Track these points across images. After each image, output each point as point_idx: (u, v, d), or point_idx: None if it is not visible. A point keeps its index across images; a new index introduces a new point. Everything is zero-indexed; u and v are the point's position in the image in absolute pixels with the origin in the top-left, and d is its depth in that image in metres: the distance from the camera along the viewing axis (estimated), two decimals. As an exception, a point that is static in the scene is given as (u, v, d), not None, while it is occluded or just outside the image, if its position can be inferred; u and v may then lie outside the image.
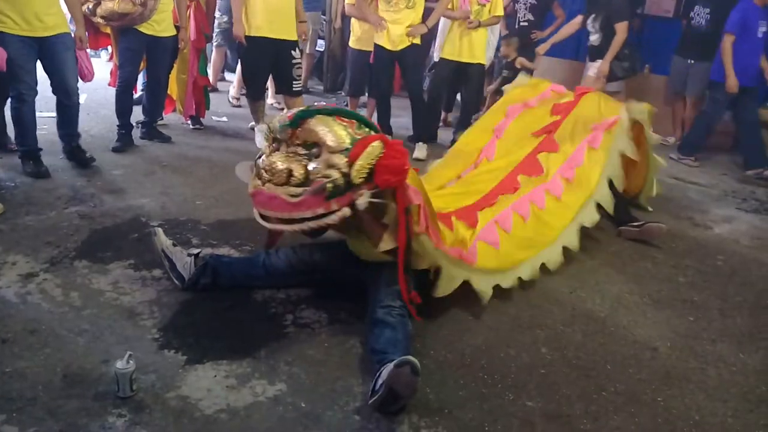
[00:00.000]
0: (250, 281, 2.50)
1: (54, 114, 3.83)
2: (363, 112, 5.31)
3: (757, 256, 3.37)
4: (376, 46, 4.83)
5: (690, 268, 3.12)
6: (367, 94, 5.76)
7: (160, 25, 4.10)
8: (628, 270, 3.03)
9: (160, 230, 2.57)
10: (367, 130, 2.09)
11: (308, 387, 1.96)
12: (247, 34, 4.33)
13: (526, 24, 5.90)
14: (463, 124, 5.04)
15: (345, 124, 2.04)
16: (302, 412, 1.84)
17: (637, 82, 6.20)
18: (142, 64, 4.34)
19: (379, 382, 1.84)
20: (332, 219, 1.99)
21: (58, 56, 3.54)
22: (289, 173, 2.01)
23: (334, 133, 1.99)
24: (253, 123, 4.87)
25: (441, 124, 5.65)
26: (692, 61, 5.58)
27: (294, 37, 4.42)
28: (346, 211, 1.98)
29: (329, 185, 1.94)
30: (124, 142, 4.25)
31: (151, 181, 3.70)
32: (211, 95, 5.38)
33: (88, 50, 4.06)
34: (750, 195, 4.53)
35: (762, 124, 5.32)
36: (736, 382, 2.19)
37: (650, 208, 3.83)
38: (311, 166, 1.99)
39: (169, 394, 1.86)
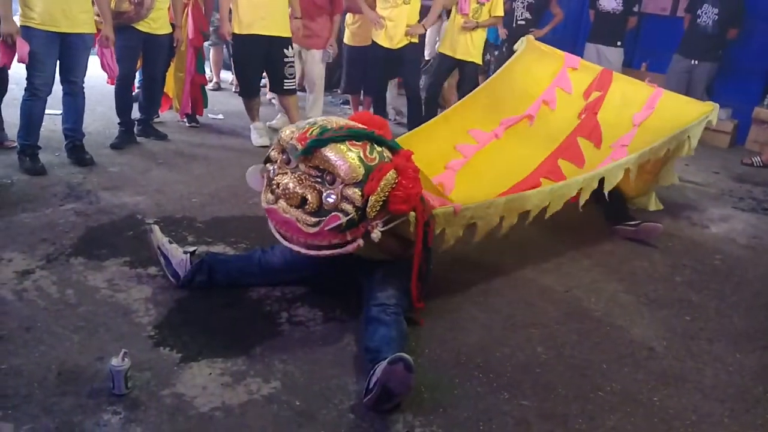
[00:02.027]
0: (245, 278, 2.49)
1: (53, 111, 3.82)
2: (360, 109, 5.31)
3: (753, 256, 3.37)
4: (374, 43, 4.83)
5: (687, 267, 3.12)
6: (362, 92, 5.75)
7: (156, 22, 4.10)
8: (623, 269, 3.03)
9: (156, 227, 2.56)
10: (379, 150, 2.09)
11: (303, 385, 1.96)
12: (237, 32, 4.31)
13: (523, 22, 5.90)
14: None
15: (358, 149, 2.04)
16: (297, 411, 1.84)
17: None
18: (138, 62, 4.34)
19: (373, 380, 1.84)
20: (347, 250, 2.06)
21: (75, 54, 3.58)
22: (304, 199, 2.05)
23: (348, 163, 1.99)
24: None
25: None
26: (696, 61, 5.57)
27: (287, 34, 4.39)
28: (361, 241, 2.06)
29: (344, 222, 2.00)
30: (124, 140, 4.25)
31: (147, 178, 3.69)
32: (210, 93, 5.38)
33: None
34: (747, 194, 4.54)
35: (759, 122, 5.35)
36: (732, 382, 2.19)
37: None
38: (325, 198, 2.03)
39: (164, 392, 1.86)
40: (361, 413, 1.85)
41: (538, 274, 2.86)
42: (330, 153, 2.01)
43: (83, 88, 3.75)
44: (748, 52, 5.88)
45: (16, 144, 3.69)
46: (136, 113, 4.48)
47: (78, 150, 3.81)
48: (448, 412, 1.89)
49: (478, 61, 5.02)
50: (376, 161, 2.04)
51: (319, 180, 2.06)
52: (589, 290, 2.77)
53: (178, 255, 2.45)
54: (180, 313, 2.29)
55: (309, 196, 2.04)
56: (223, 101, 5.97)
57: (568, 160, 3.37)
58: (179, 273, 2.43)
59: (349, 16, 5.25)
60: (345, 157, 2.00)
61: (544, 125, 3.65)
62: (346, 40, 5.37)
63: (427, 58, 6.32)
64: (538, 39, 5.87)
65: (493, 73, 7.13)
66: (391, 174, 2.01)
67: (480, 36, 4.90)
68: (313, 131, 2.07)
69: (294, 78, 4.56)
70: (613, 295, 2.74)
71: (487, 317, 2.46)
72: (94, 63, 3.85)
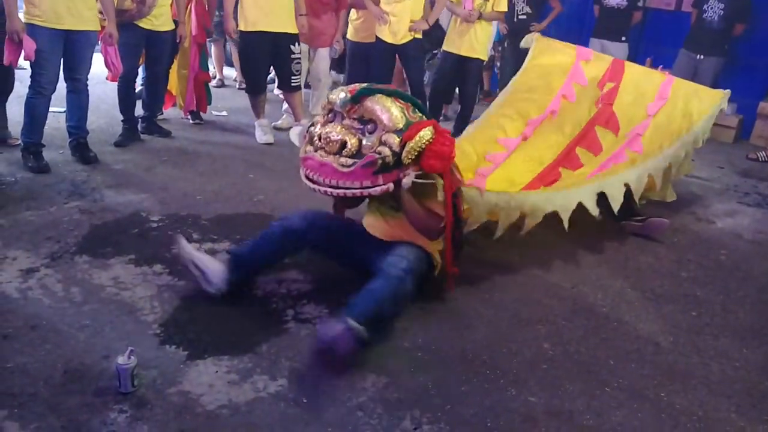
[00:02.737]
0: (271, 251, 2.41)
1: (56, 109, 3.82)
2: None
3: (759, 251, 3.36)
4: (378, 39, 4.81)
5: (692, 262, 3.11)
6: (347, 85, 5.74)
7: (158, 19, 4.09)
8: (629, 265, 3.02)
9: (183, 241, 2.40)
10: (420, 115, 2.22)
11: (310, 383, 1.95)
12: (243, 29, 4.31)
13: (524, 17, 5.90)
14: (463, 118, 5.03)
15: (402, 106, 2.17)
16: (304, 408, 1.84)
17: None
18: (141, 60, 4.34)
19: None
20: (375, 191, 2.15)
21: (79, 52, 3.58)
22: (343, 144, 2.14)
23: (390, 113, 2.12)
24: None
25: (441, 117, 5.63)
26: (701, 56, 5.55)
27: (293, 31, 4.39)
28: (391, 186, 2.15)
29: (380, 161, 2.09)
30: (127, 137, 4.25)
31: (151, 176, 3.69)
32: (213, 90, 5.37)
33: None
34: (752, 189, 4.52)
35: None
36: (739, 378, 2.18)
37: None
38: (365, 141, 2.14)
39: (170, 390, 1.86)
40: (369, 411, 1.85)
41: (544, 271, 2.85)
42: (375, 104, 2.14)
43: (87, 85, 3.75)
44: (753, 47, 5.86)
45: (20, 142, 3.70)
46: (139, 110, 4.48)
47: (82, 147, 3.81)
48: (455, 409, 1.89)
49: (483, 57, 5.00)
50: (417, 119, 2.17)
51: (361, 131, 2.17)
52: (595, 286, 2.76)
53: (214, 265, 2.34)
54: (186, 311, 2.29)
55: (348, 141, 2.13)
56: (227, 98, 5.98)
57: (585, 148, 3.45)
58: (219, 283, 2.32)
59: (352, 12, 5.23)
60: (389, 109, 2.13)
61: (566, 117, 3.70)
62: (349, 35, 5.33)
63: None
64: (538, 33, 5.90)
65: (496, 69, 7.15)
66: (429, 129, 2.11)
67: (485, 32, 4.87)
68: (363, 86, 2.20)
69: (300, 75, 4.56)
70: (619, 291, 2.73)
71: (493, 314, 2.45)
72: (96, 60, 3.85)
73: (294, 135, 4.57)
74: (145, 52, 4.22)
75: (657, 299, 2.70)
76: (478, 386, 2.00)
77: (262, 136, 4.63)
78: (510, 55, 6.04)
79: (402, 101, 2.19)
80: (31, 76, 3.50)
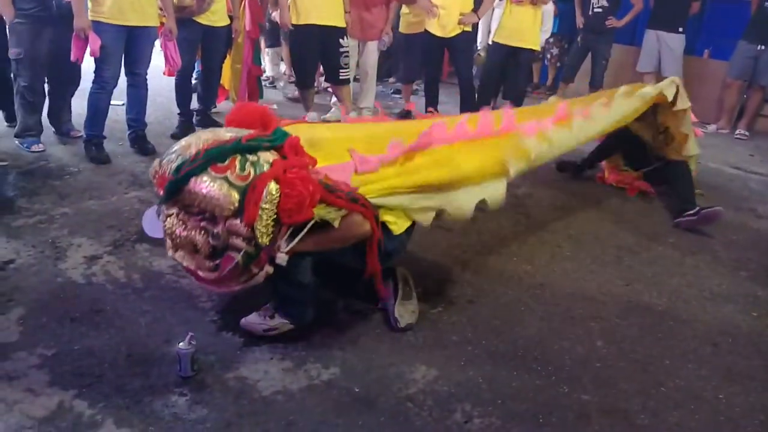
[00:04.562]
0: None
1: (115, 102, 3.95)
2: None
3: (824, 251, 3.22)
4: (426, 32, 4.80)
5: (752, 261, 3.00)
6: (401, 78, 5.73)
7: (215, 15, 4.19)
8: (686, 262, 2.94)
9: None
10: (253, 159, 1.78)
11: (361, 372, 1.98)
12: (294, 22, 4.37)
13: (600, 10, 5.70)
14: (516, 103, 4.95)
15: (224, 172, 1.73)
16: (356, 397, 1.87)
17: (694, 67, 5.99)
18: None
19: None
20: (257, 280, 1.87)
21: (141, 47, 3.71)
22: (194, 245, 1.80)
23: (216, 197, 1.71)
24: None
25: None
26: (762, 47, 5.33)
27: (342, 24, 4.43)
28: (269, 269, 1.86)
29: (241, 259, 1.78)
30: (183, 129, 4.37)
31: (205, 167, 3.78)
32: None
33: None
34: (817, 187, 4.32)
35: None
36: (803, 382, 2.10)
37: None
38: (212, 239, 1.78)
39: (228, 375, 1.92)
40: (419, 402, 1.86)
41: (597, 267, 2.80)
42: (195, 188, 1.72)
43: (146, 79, 3.87)
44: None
45: (82, 134, 3.85)
46: (194, 104, 4.60)
47: (141, 140, 3.94)
48: (506, 404, 1.88)
49: (535, 47, 4.93)
50: (251, 177, 1.74)
51: (203, 217, 1.78)
52: (650, 284, 2.69)
53: None
54: (240, 300, 2.33)
55: (197, 241, 1.78)
56: (277, 91, 6.06)
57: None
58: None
59: (405, 7, 5.23)
60: (212, 189, 1.71)
61: None
62: (401, 28, 5.35)
63: (479, 47, 6.25)
64: (617, 30, 5.73)
65: (547, 61, 7.05)
66: (270, 187, 1.73)
67: (535, 21, 4.80)
68: (171, 168, 1.77)
69: (348, 68, 4.59)
70: (675, 290, 2.66)
71: (544, 310, 2.43)
72: (153, 55, 3.96)
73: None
74: (201, 47, 4.33)
75: (715, 298, 2.62)
76: (530, 382, 1.99)
77: (312, 128, 4.68)
78: (582, 48, 5.91)
79: (222, 163, 1.74)
80: (95, 72, 3.63)
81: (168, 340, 2.05)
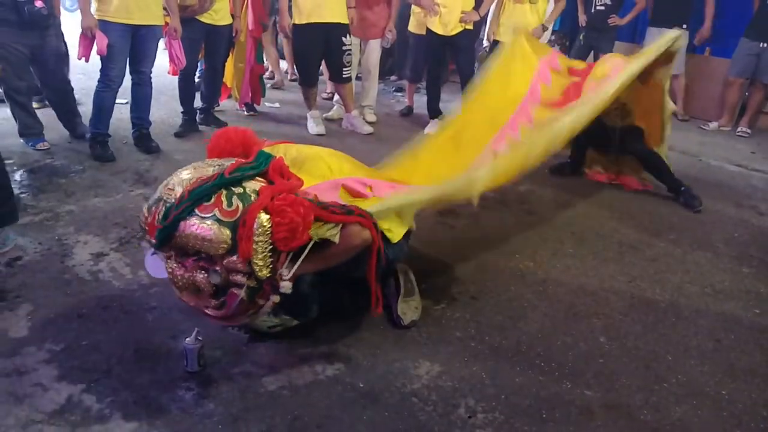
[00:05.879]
0: None
1: (119, 100, 3.97)
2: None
3: (827, 248, 3.23)
4: (428, 30, 4.81)
5: (754, 258, 3.02)
6: (408, 77, 5.75)
7: (218, 14, 4.21)
8: (688, 259, 2.95)
9: None
10: (239, 191, 1.72)
11: (366, 368, 2.00)
12: (297, 22, 4.39)
13: (602, 8, 5.70)
14: None
15: (211, 211, 1.67)
16: (361, 393, 1.89)
17: (696, 65, 5.99)
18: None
19: None
20: (265, 311, 1.86)
21: (146, 46, 3.73)
22: (195, 285, 1.76)
23: (208, 235, 1.66)
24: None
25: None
26: (765, 45, 5.33)
27: (345, 21, 4.44)
28: (275, 298, 1.81)
29: (245, 294, 1.74)
30: (187, 128, 4.39)
31: (209, 165, 3.80)
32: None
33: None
34: (820, 184, 4.33)
35: None
36: (804, 377, 2.12)
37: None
38: (212, 279, 1.73)
39: (234, 370, 1.94)
40: (424, 397, 1.88)
41: (599, 263, 2.82)
42: (186, 232, 1.67)
43: (151, 78, 3.89)
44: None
45: (87, 132, 3.87)
46: (197, 102, 4.62)
47: (145, 138, 3.96)
48: (510, 400, 1.90)
49: None
50: (239, 212, 1.68)
51: (199, 257, 1.73)
52: (653, 281, 2.71)
53: None
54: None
55: (198, 281, 1.74)
56: (278, 91, 6.08)
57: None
58: None
59: (414, 6, 5.23)
60: (203, 230, 1.66)
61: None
62: (411, 27, 5.36)
63: (485, 44, 6.26)
64: (619, 28, 5.74)
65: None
66: (261, 219, 1.68)
67: (534, 17, 4.80)
68: (159, 217, 1.70)
69: (350, 66, 4.61)
70: (677, 286, 2.68)
71: (547, 306, 2.44)
72: (158, 54, 3.98)
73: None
74: (204, 45, 4.35)
75: (717, 295, 2.64)
76: (533, 378, 2.01)
77: (314, 127, 4.71)
78: (584, 46, 5.91)
79: (208, 202, 1.68)
80: (101, 70, 3.65)
81: (174, 336, 2.07)
